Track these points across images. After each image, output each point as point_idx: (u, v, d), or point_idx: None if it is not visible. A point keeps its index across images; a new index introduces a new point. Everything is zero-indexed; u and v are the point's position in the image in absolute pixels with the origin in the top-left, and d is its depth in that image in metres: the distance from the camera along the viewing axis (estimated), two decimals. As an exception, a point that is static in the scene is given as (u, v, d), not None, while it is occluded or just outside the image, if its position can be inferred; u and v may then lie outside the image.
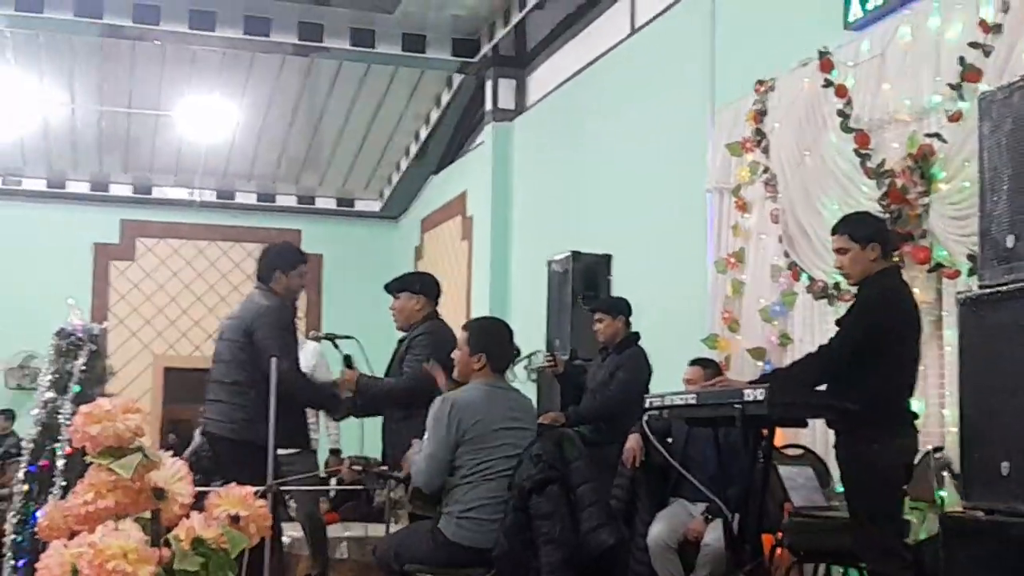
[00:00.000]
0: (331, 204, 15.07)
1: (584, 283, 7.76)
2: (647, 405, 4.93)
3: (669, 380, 6.10)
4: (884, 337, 4.31)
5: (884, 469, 4.31)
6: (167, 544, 2.24)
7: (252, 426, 5.32)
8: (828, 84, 6.15)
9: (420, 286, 5.88)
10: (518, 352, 5.16)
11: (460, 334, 4.94)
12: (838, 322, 4.58)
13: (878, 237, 4.51)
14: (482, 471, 4.57)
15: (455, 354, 4.91)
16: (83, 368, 5.86)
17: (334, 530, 7.89)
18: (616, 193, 9.10)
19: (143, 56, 11.71)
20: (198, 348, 14.41)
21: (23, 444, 6.14)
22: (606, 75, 9.54)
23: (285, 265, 5.62)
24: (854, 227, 4.59)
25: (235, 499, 2.35)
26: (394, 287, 5.90)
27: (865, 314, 4.41)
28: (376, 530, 6.40)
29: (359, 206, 15.13)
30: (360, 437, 6.08)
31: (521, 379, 9.24)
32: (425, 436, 4.68)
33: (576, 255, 7.86)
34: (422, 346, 5.60)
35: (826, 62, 6.18)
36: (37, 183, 13.98)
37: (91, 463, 2.25)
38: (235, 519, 2.31)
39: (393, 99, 12.70)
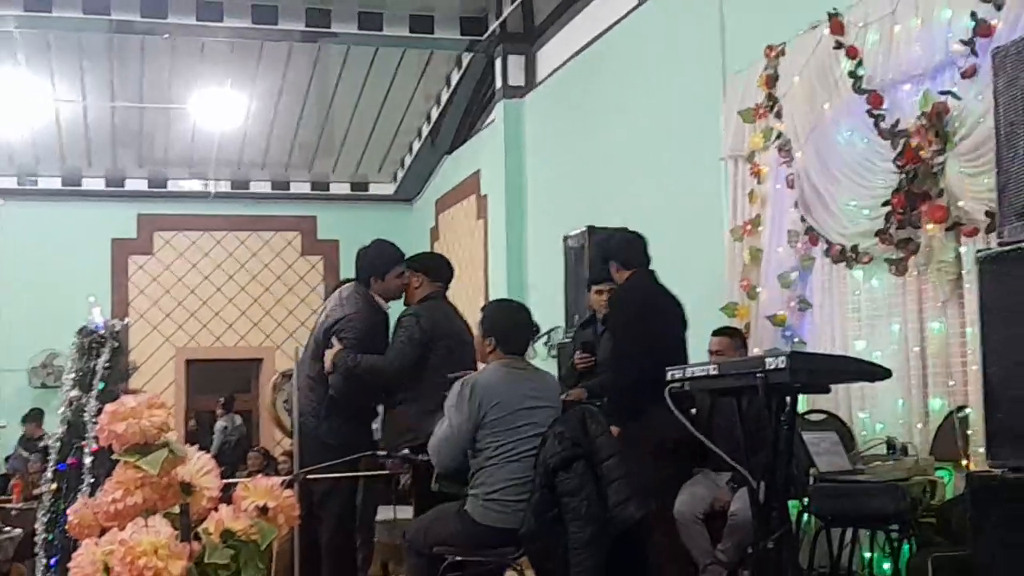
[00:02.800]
0: (345, 189, 15.08)
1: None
2: (668, 378, 4.91)
3: (691, 351, 6.07)
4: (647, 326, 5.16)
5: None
6: (197, 538, 2.25)
7: (318, 422, 5.40)
8: (839, 46, 6.10)
9: (420, 265, 5.88)
10: (537, 330, 5.16)
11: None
12: (603, 321, 5.65)
13: (614, 255, 5.78)
14: (506, 452, 4.58)
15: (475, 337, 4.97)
16: (106, 365, 5.87)
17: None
18: (630, 166, 9.06)
19: (152, 50, 11.72)
20: (219, 339, 14.49)
21: (49, 444, 6.16)
22: (615, 47, 9.48)
23: (379, 270, 5.71)
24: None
25: (262, 490, 2.37)
26: (405, 264, 5.91)
27: (624, 324, 5.50)
28: (404, 512, 6.42)
29: (373, 190, 15.13)
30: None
31: (541, 356, 9.23)
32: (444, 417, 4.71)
33: (592, 230, 7.81)
34: (402, 327, 5.60)
35: (836, 23, 6.13)
36: (52, 181, 14.04)
37: (118, 460, 2.27)
38: (263, 510, 2.32)
39: (403, 81, 12.67)
